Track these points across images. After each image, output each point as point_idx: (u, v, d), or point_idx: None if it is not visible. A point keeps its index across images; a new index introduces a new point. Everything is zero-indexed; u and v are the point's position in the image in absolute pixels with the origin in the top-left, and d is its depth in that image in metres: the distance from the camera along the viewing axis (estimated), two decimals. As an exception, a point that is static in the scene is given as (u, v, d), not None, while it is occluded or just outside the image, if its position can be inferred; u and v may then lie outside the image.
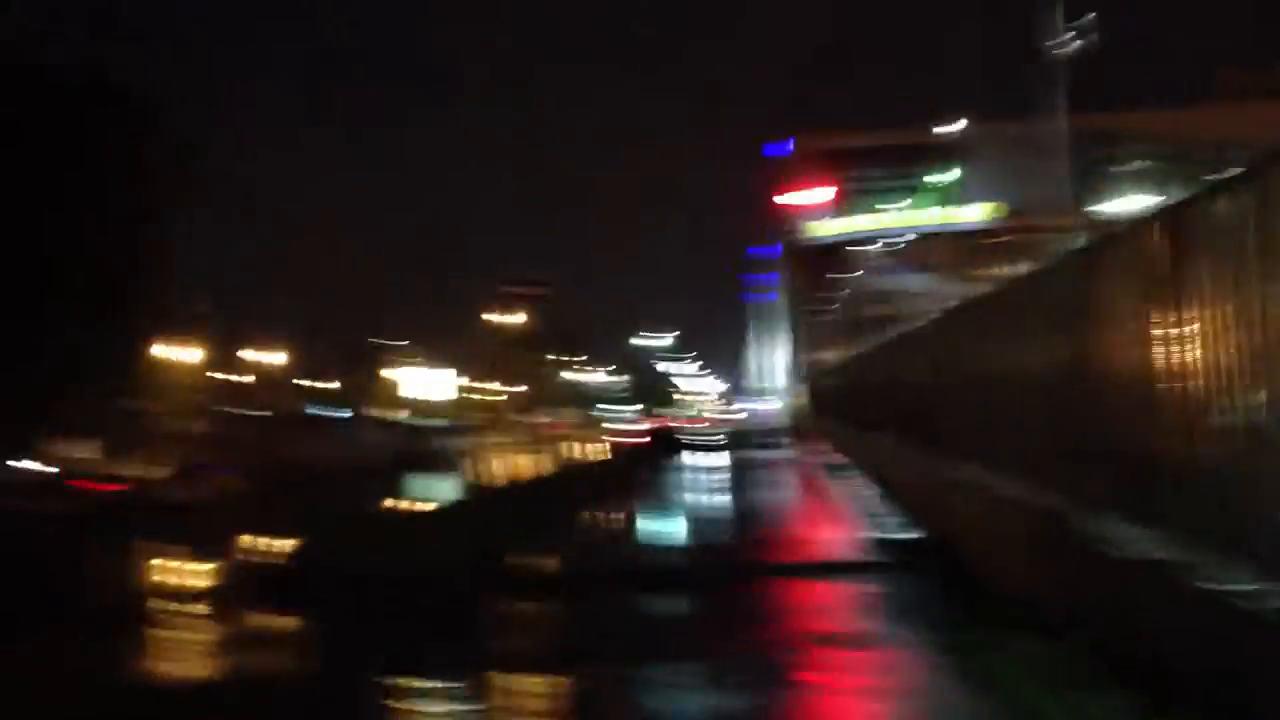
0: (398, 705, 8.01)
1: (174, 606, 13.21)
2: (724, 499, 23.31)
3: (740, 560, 14.08)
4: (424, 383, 75.25)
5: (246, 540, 18.25)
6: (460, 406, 76.98)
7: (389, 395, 78.17)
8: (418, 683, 8.25)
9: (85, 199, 32.80)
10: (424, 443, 50.75)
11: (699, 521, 19.06)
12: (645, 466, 36.34)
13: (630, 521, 19.46)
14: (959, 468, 12.70)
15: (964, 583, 11.20)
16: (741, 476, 31.52)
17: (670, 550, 15.81)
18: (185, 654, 11.45)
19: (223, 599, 13.49)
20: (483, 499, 24.81)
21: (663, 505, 22.42)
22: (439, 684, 8.34)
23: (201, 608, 13.08)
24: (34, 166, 32.03)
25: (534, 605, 12.33)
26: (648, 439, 51.95)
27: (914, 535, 13.94)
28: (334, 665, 9.55)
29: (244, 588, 14.01)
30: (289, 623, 11.92)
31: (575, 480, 30.59)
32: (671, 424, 76.48)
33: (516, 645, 10.51)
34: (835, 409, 32.98)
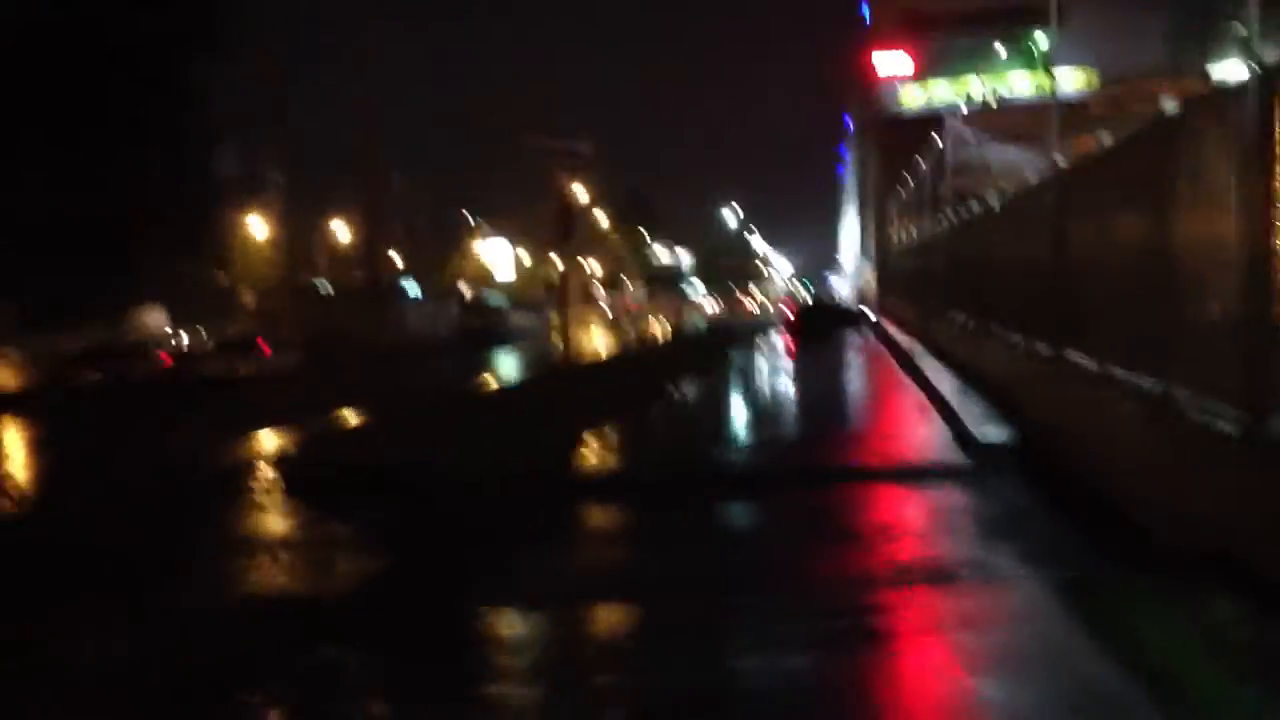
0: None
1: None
2: (796, 385, 21.45)
3: (818, 463, 12.33)
4: (498, 258, 73.93)
5: (279, 429, 16.96)
6: (536, 283, 75.74)
7: (465, 271, 77.21)
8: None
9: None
10: (497, 320, 49.61)
11: (771, 411, 17.29)
12: (725, 345, 34.58)
13: (703, 411, 17.78)
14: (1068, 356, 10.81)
15: (1076, 497, 9.41)
16: (812, 360, 29.56)
17: (743, 448, 14.12)
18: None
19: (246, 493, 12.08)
20: (551, 385, 23.33)
21: (733, 394, 20.65)
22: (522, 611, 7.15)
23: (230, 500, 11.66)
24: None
25: (608, 513, 10.77)
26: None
27: (1006, 434, 12.11)
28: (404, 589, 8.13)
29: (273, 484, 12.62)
30: (332, 530, 10.42)
31: (649, 362, 28.98)
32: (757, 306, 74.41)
33: (592, 563, 8.98)
34: (910, 291, 30.78)
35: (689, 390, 21.08)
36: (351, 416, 18.49)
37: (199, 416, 21.92)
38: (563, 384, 23.00)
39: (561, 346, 34.49)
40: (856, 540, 8.92)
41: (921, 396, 16.99)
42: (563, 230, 14.79)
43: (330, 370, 30.10)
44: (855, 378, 23.92)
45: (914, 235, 32.24)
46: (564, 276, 41.56)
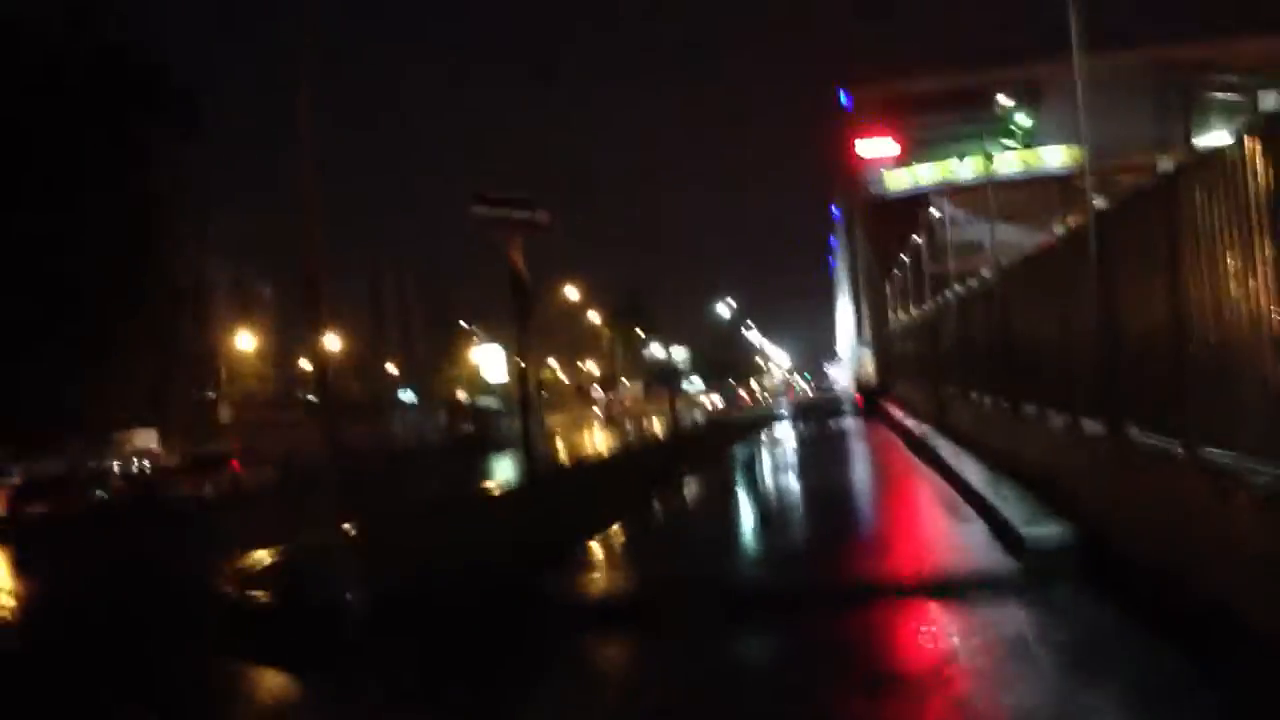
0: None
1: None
2: (807, 482, 19.31)
3: (842, 579, 10.30)
4: (493, 362, 72.22)
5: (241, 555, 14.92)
6: (528, 386, 73.94)
7: (461, 377, 75.52)
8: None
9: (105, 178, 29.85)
10: (489, 424, 47.65)
11: (783, 516, 15.09)
12: (725, 442, 32.53)
13: (705, 516, 15.61)
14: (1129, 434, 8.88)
15: (1168, 608, 7.43)
16: (820, 452, 27.45)
17: (754, 559, 11.99)
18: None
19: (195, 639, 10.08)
20: (539, 491, 21.31)
21: (739, 492, 18.47)
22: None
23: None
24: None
25: (603, 646, 8.80)
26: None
27: (1060, 530, 10.11)
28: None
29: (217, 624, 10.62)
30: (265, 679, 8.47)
31: (649, 461, 26.95)
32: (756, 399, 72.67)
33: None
34: (917, 374, 28.90)
35: (692, 490, 19.09)
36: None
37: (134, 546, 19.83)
38: (553, 490, 20.95)
39: (558, 447, 32.55)
40: (901, 686, 6.89)
41: (947, 489, 14.99)
42: (518, 309, 13.06)
43: (308, 487, 28.04)
44: (870, 471, 21.72)
45: (914, 316, 30.50)
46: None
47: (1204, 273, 7.11)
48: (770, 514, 15.19)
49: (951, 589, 9.32)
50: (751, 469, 22.88)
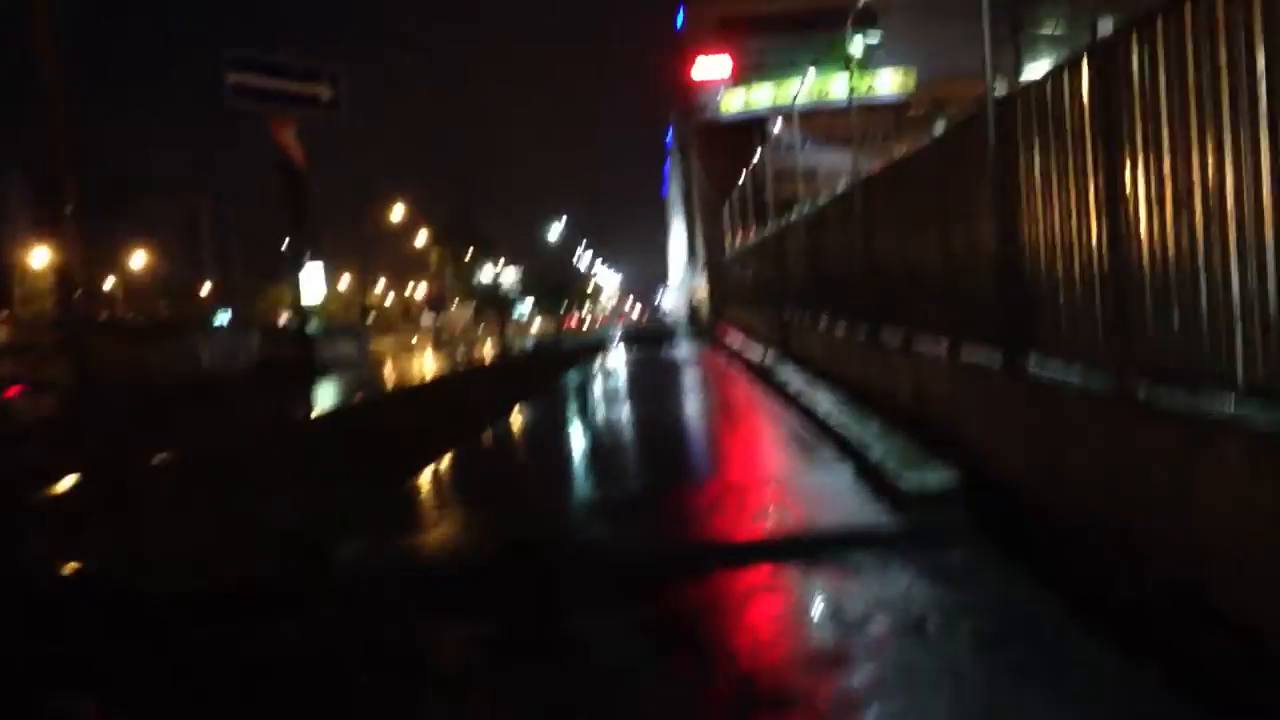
0: None
1: None
2: (646, 418, 17.48)
3: (694, 537, 8.53)
4: (313, 282, 67.97)
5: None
6: (356, 308, 70.13)
7: (285, 298, 71.05)
8: None
9: None
10: (305, 349, 44.22)
11: (621, 459, 13.14)
12: (558, 369, 30.50)
13: (534, 459, 13.57)
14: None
15: (1095, 579, 5.92)
16: (657, 381, 25.72)
17: (588, 513, 10.04)
18: None
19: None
20: (352, 424, 18.97)
21: (572, 428, 16.50)
22: None
23: None
24: None
25: (409, 638, 6.72)
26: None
27: (946, 475, 8.57)
28: None
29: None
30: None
31: (471, 390, 24.75)
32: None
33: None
34: (758, 299, 27.51)
35: (520, 424, 17.11)
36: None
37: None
38: (364, 423, 18.60)
39: (378, 375, 29.98)
40: (777, 699, 5.14)
41: (802, 425, 13.42)
42: (291, 204, 10.71)
43: (95, 416, 24.78)
44: (714, 404, 19.91)
45: (754, 239, 29.05)
46: (393, 304, 36.81)
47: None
48: (607, 456, 13.30)
49: (822, 549, 7.63)
50: (585, 401, 20.97)
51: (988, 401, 8.37)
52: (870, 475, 9.44)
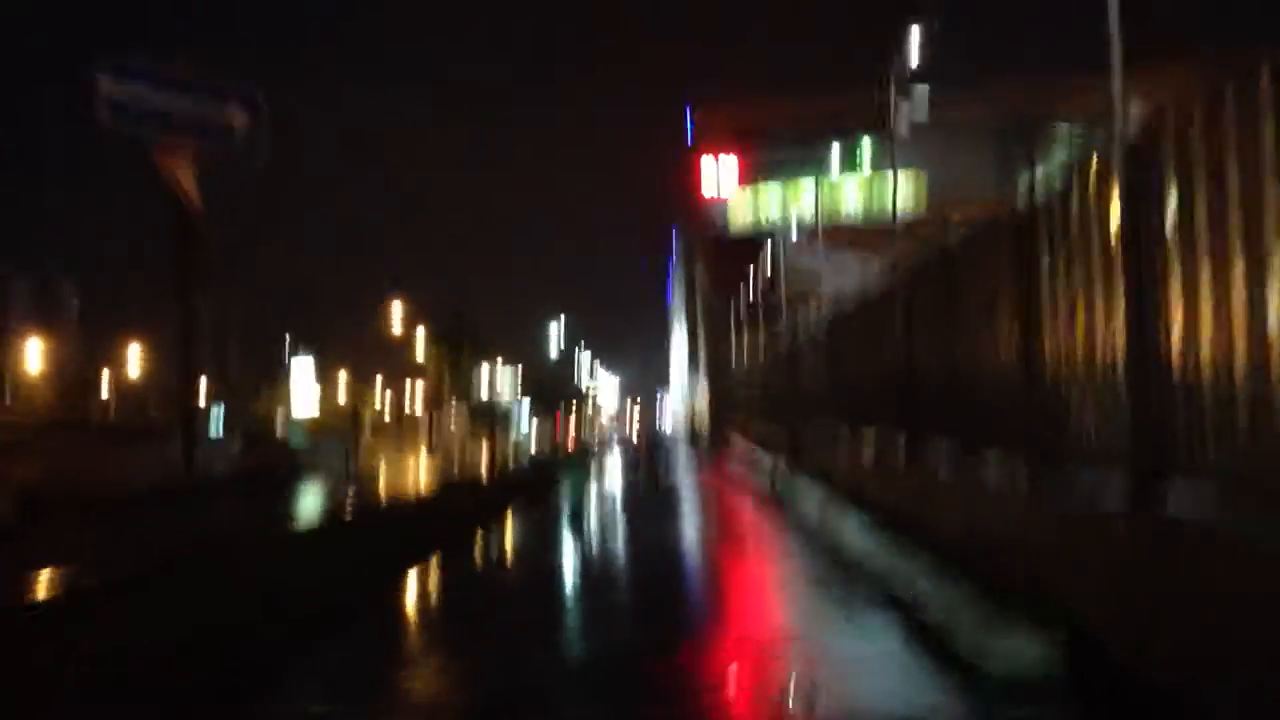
0: None
1: None
2: (638, 546, 15.02)
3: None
4: (302, 385, 65.87)
5: None
6: (352, 418, 67.75)
7: (278, 407, 68.88)
8: None
9: None
10: (285, 457, 41.92)
11: (607, 603, 10.58)
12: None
13: (531, 618, 10.96)
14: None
15: None
16: (667, 513, 23.07)
17: (554, 686, 7.55)
18: None
19: None
20: (322, 543, 16.56)
21: (556, 557, 13.97)
22: None
23: None
24: None
25: None
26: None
27: (1036, 647, 6.24)
28: None
29: None
30: None
31: (455, 514, 22.24)
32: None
33: None
34: (764, 409, 25.29)
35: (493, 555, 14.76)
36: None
37: None
38: (339, 541, 16.14)
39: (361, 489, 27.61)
40: None
41: (826, 562, 11.03)
42: (183, 258, 8.46)
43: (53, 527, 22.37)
44: (720, 529, 17.26)
45: (766, 347, 26.94)
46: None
47: None
48: (593, 600, 10.87)
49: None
50: (577, 522, 18.50)
51: (1100, 549, 6.05)
52: (928, 641, 7.08)
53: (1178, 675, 5.10)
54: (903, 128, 22.12)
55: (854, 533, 11.08)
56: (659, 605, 9.87)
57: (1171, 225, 5.48)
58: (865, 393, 12.94)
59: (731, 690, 6.80)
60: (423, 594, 11.22)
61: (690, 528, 18.00)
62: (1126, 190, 5.87)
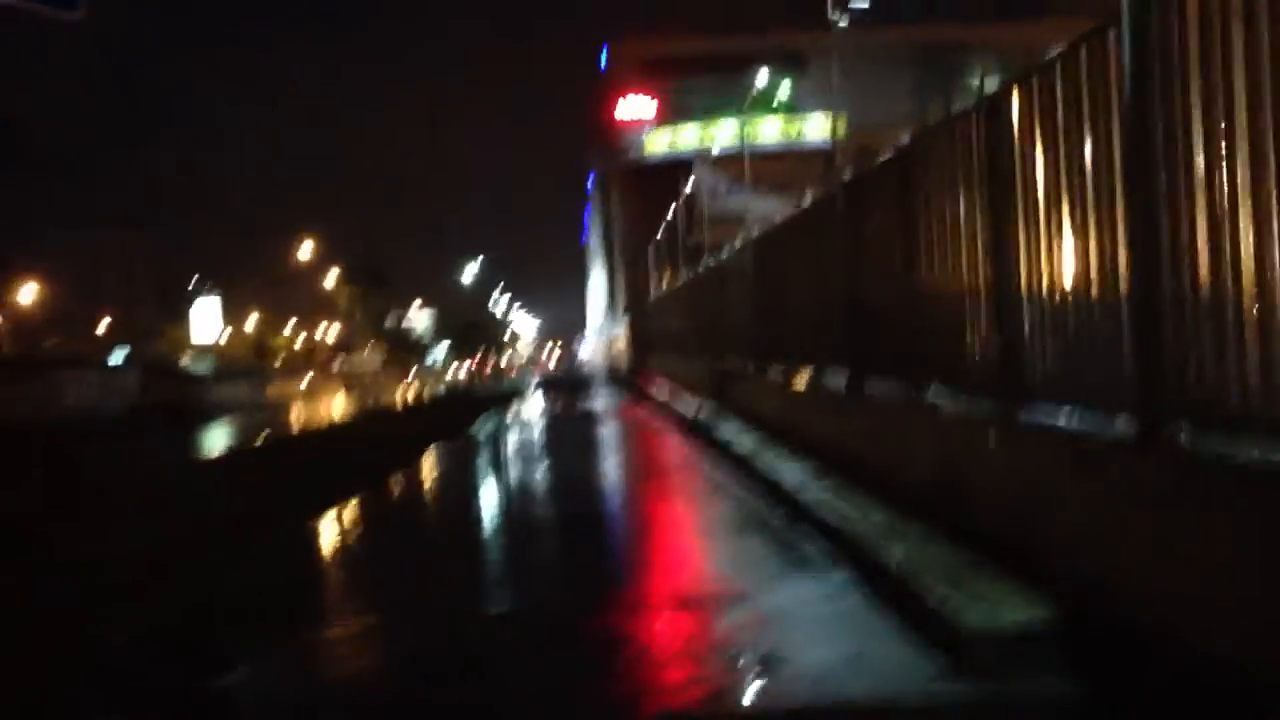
0: None
1: None
2: (553, 485, 14.05)
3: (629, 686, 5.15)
4: (207, 319, 63.39)
5: None
6: (259, 351, 65.56)
7: (180, 338, 66.28)
8: None
9: None
10: (193, 391, 40.05)
11: (514, 553, 9.55)
12: (468, 419, 26.83)
13: (401, 544, 9.97)
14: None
15: None
16: (574, 438, 22.18)
17: (502, 616, 6.61)
18: None
19: None
20: (239, 471, 15.35)
21: (463, 503, 12.89)
22: None
23: None
24: None
25: None
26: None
27: (1022, 604, 5.38)
28: None
29: None
30: None
31: (375, 441, 21.03)
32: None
33: None
34: (685, 344, 24.37)
35: (412, 490, 13.66)
36: None
37: None
38: (252, 472, 14.91)
39: (269, 423, 26.27)
40: None
41: (766, 505, 10.14)
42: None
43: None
44: (644, 468, 16.31)
45: (685, 282, 25.96)
46: (300, 347, 33.24)
47: None
48: (498, 547, 9.86)
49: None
50: (492, 464, 17.44)
51: (1108, 494, 5.17)
52: (891, 595, 6.20)
53: (1195, 628, 4.26)
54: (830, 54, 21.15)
55: (792, 473, 10.20)
56: (582, 556, 8.88)
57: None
58: (799, 322, 12.03)
59: (661, 660, 5.84)
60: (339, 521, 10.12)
61: (607, 460, 17.07)
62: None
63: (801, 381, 11.69)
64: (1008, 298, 6.42)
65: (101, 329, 71.70)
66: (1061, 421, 5.69)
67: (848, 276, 9.77)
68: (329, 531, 10.39)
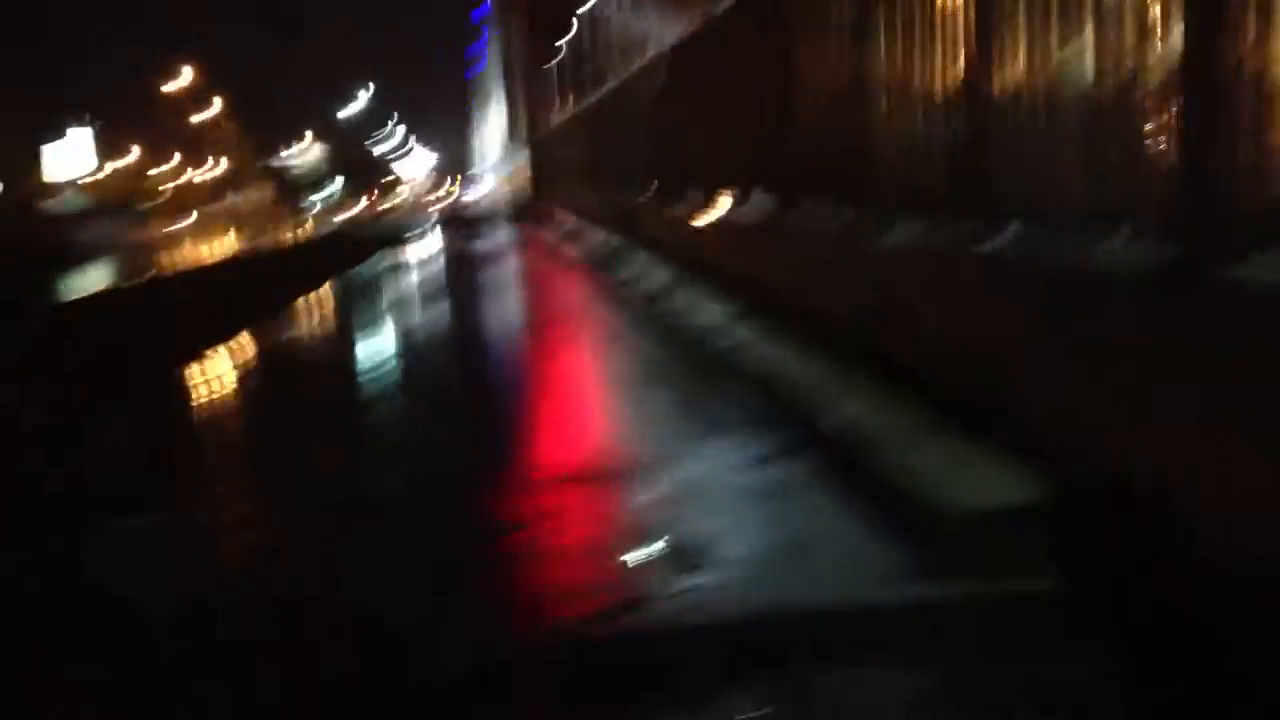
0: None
1: None
2: (446, 324, 12.66)
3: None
4: (75, 152, 59.07)
5: None
6: (134, 189, 61.54)
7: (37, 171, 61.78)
8: None
9: None
10: (58, 231, 37.40)
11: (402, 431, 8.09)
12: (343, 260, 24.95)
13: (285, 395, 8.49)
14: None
15: None
16: (474, 278, 20.55)
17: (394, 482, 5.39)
18: None
19: None
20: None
21: (376, 338, 11.35)
22: None
23: None
24: None
25: None
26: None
27: (1004, 475, 4.27)
28: None
29: None
30: None
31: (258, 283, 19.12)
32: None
33: None
34: (591, 173, 22.79)
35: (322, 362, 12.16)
36: None
37: None
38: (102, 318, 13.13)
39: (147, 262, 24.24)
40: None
41: (678, 348, 8.94)
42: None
43: None
44: (546, 311, 14.74)
45: (594, 100, 24.10)
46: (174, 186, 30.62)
47: None
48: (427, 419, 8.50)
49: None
50: (398, 305, 15.88)
51: (1117, 346, 4.04)
52: (840, 464, 5.10)
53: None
54: None
55: (709, 313, 9.01)
56: (469, 421, 7.58)
57: None
58: (717, 144, 10.64)
59: (567, 555, 4.69)
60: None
61: (507, 309, 15.65)
62: None
63: (717, 210, 10.39)
64: (984, 95, 5.16)
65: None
66: (1052, 251, 4.53)
67: (778, 86, 8.38)
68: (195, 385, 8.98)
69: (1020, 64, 4.90)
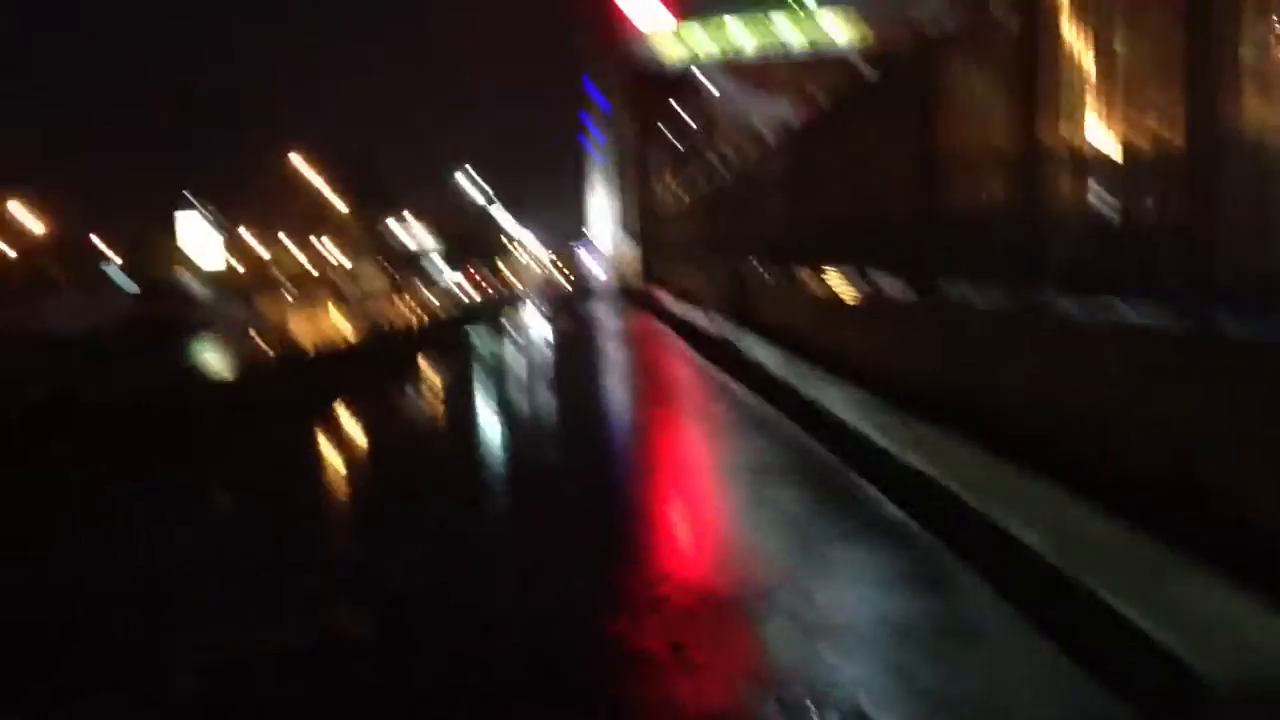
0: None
1: None
2: (561, 421, 11.89)
3: None
4: (198, 238, 61.00)
5: None
6: (256, 273, 63.23)
7: (177, 258, 63.97)
8: None
9: None
10: (185, 310, 38.25)
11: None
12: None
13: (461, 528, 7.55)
14: None
15: None
16: (610, 372, 19.68)
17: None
18: None
19: None
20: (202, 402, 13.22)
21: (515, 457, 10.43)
22: None
23: None
24: None
25: None
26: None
27: None
28: None
29: None
30: None
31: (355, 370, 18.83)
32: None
33: None
34: (702, 254, 22.20)
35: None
36: None
37: None
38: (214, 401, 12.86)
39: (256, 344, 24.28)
40: None
41: (823, 459, 8.00)
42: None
43: None
44: (660, 398, 13.91)
45: (708, 182, 23.62)
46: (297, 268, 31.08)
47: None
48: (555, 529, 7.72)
49: None
50: (500, 381, 15.26)
51: None
52: (1036, 599, 4.13)
53: None
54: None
55: (844, 406, 8.08)
56: (569, 531, 6.67)
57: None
58: (850, 224, 9.83)
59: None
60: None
61: (618, 391, 14.82)
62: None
63: (844, 285, 9.55)
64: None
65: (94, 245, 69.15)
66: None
67: (926, 160, 7.56)
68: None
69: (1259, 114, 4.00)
